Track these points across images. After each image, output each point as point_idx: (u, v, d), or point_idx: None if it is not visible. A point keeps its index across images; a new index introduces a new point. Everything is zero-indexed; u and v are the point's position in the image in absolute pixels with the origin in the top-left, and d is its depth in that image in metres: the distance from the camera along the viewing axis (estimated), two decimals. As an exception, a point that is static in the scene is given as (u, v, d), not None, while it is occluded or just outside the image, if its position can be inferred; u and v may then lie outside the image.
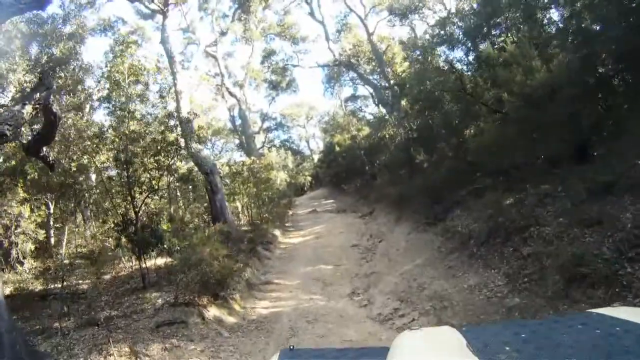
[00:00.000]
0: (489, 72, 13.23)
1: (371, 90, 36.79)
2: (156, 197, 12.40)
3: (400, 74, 24.36)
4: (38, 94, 7.98)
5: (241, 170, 20.69)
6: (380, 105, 34.44)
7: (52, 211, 14.49)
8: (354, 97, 41.61)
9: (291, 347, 2.76)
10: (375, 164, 28.64)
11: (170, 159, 11.43)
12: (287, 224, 24.25)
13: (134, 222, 10.75)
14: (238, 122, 38.22)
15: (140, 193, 11.00)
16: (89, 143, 11.29)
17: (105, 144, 11.17)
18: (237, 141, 40.69)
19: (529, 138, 11.82)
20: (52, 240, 14.30)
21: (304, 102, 49.41)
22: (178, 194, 22.99)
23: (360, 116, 37.20)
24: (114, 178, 12.01)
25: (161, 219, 12.58)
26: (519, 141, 11.93)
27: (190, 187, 20.52)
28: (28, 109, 7.80)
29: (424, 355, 1.98)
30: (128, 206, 10.95)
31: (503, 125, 13.07)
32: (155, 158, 11.19)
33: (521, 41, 12.31)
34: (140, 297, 10.19)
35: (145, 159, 11.06)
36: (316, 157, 48.49)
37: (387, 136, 21.30)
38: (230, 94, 34.91)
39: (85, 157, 11.53)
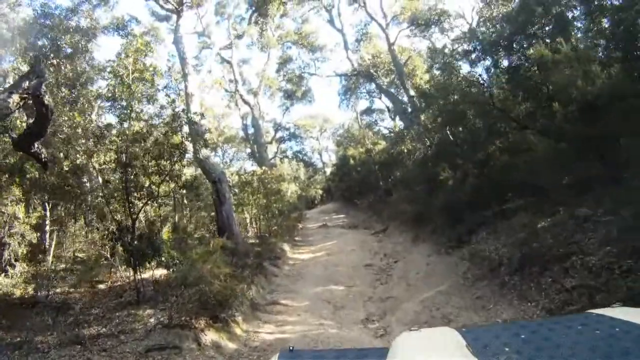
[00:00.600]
0: (538, 76, 12.01)
1: (388, 104, 35.94)
2: (156, 204, 11.41)
3: (421, 86, 23.43)
4: (27, 83, 7.13)
5: (251, 180, 19.77)
6: (398, 118, 33.55)
7: (47, 213, 13.65)
8: (369, 110, 40.76)
9: (291, 347, 2.68)
10: (389, 180, 27.64)
11: (173, 164, 10.48)
12: (296, 238, 23.22)
13: (130, 229, 9.81)
14: (251, 131, 37.54)
15: (139, 199, 10.08)
16: (89, 142, 10.44)
17: (105, 144, 10.29)
18: (249, 150, 39.93)
19: (567, 154, 10.76)
20: (47, 244, 13.46)
21: (319, 114, 48.82)
22: (185, 201, 22.15)
23: (375, 130, 36.40)
24: (110, 181, 11.07)
25: (163, 228, 11.62)
26: (557, 158, 10.87)
27: (195, 195, 19.61)
28: (15, 98, 6.95)
29: (424, 356, 1.95)
30: (125, 212, 10.02)
31: (540, 140, 12.01)
32: (157, 161, 10.28)
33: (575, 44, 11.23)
34: (132, 313, 9.20)
35: (146, 162, 10.15)
36: (328, 170, 47.73)
37: (405, 151, 20.27)
38: (244, 101, 34.27)
39: (82, 157, 10.65)
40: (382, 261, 15.81)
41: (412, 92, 23.05)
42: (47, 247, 13.27)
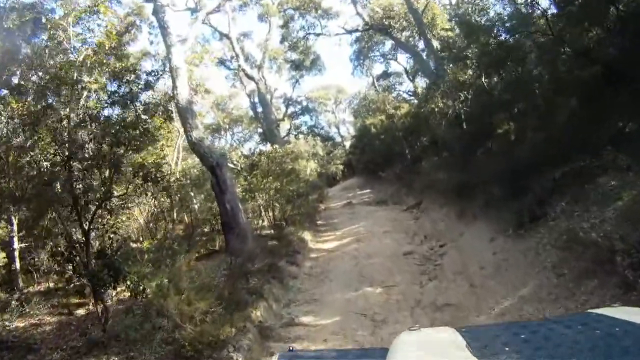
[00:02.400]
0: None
1: (405, 65, 32.42)
2: (112, 206, 8.53)
3: (445, 36, 19.98)
4: None
5: (258, 160, 16.88)
6: (419, 77, 30.04)
7: (15, 227, 11.08)
8: (385, 75, 37.19)
9: (290, 348, 2.68)
10: (416, 146, 24.45)
11: (135, 150, 7.63)
12: (318, 222, 20.41)
13: (84, 247, 7.11)
14: (260, 109, 34.48)
15: (88, 203, 7.29)
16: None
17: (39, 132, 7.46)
18: (260, 130, 36.92)
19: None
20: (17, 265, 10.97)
21: (331, 85, 45.20)
22: (192, 193, 19.52)
23: (394, 94, 32.94)
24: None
25: (126, 240, 8.86)
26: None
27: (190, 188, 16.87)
28: None
29: (424, 356, 1.93)
30: (74, 224, 7.29)
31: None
32: (114, 149, 7.45)
33: None
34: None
35: (95, 151, 7.32)
36: (347, 144, 44.56)
37: (436, 109, 17.03)
38: (248, 76, 31.22)
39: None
40: (423, 245, 12.89)
41: (435, 44, 19.63)
42: (16, 268, 10.80)
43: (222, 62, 34.27)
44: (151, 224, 13.48)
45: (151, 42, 23.53)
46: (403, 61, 33.61)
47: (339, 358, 2.68)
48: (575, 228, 7.70)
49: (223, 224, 14.07)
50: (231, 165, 22.88)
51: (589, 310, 2.26)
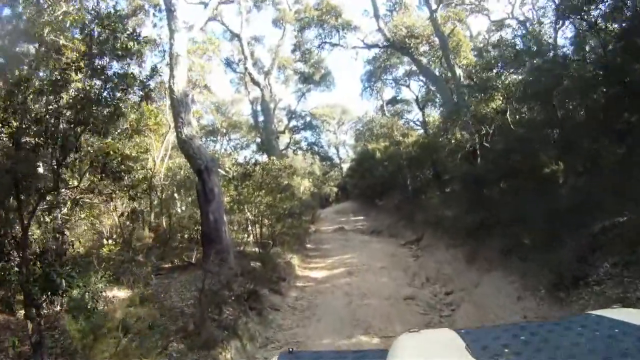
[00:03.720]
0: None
1: (416, 93, 31.29)
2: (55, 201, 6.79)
3: (469, 64, 18.77)
4: None
5: (252, 171, 15.29)
6: (431, 106, 28.90)
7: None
8: (395, 100, 36.19)
9: (290, 349, 2.58)
10: (419, 177, 23.10)
11: (105, 136, 6.04)
12: (308, 245, 18.84)
13: (21, 247, 5.46)
14: (261, 119, 33.07)
15: (33, 192, 5.66)
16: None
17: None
18: (259, 140, 35.38)
19: None
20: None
21: (338, 104, 44.17)
22: (176, 195, 17.86)
23: (401, 122, 31.74)
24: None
25: (73, 244, 7.16)
26: None
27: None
28: None
29: (423, 357, 1.93)
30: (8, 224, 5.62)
31: None
32: (76, 129, 5.86)
33: None
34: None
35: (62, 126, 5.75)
36: (345, 167, 43.26)
37: (452, 141, 15.66)
38: (254, 81, 29.91)
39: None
40: (425, 289, 11.33)
41: (458, 72, 18.37)
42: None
43: (229, 63, 33.10)
44: (119, 229, 11.72)
45: (154, 25, 22.08)
46: (415, 89, 32.66)
47: (338, 359, 2.63)
48: (631, 298, 6.28)
49: (203, 236, 12.41)
50: (222, 172, 21.30)
51: (589, 312, 2.24)
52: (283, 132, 35.93)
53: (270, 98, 30.85)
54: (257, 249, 14.38)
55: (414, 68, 33.16)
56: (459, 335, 2.00)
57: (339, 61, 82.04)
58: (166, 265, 12.13)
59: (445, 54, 18.67)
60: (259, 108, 33.27)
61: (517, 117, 13.90)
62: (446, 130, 15.74)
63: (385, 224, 23.27)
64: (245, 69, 29.42)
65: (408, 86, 32.79)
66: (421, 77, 32.85)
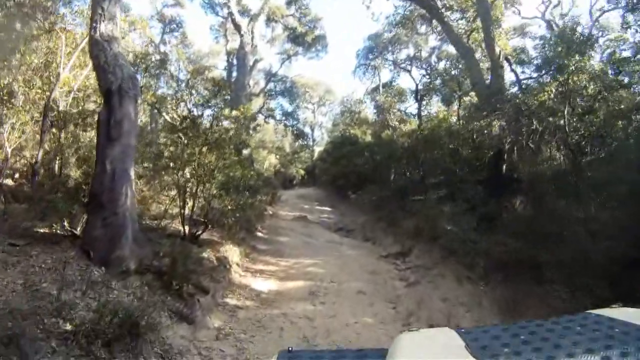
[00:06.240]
0: None
1: (417, 81, 26.96)
2: None
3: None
4: None
5: (199, 116, 10.42)
6: (428, 97, 24.63)
7: None
8: (390, 86, 31.79)
9: (290, 348, 2.45)
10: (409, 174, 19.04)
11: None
12: (259, 234, 14.17)
13: None
14: (235, 74, 27.92)
15: None
16: None
17: None
18: (227, 98, 30.15)
19: None
20: None
21: (323, 82, 39.91)
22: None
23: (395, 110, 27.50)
24: None
25: None
26: None
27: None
28: None
29: (423, 357, 1.85)
30: None
31: None
32: None
33: None
34: None
35: None
36: (317, 150, 39.00)
37: (485, 132, 11.39)
38: (235, 25, 24.82)
39: None
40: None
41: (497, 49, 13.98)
42: None
43: (212, 4, 27.82)
44: None
45: None
46: (417, 78, 28.43)
47: (338, 358, 2.47)
48: None
49: (91, 196, 7.59)
50: (167, 118, 16.28)
51: (588, 312, 2.13)
52: (257, 95, 30.92)
53: (251, 49, 25.70)
54: (180, 229, 9.69)
55: (418, 54, 29.06)
56: (458, 334, 1.94)
57: (335, 31, 75.50)
58: (34, 233, 7.29)
59: (485, 25, 14.22)
60: (234, 61, 28.20)
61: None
62: (486, 117, 11.28)
63: (359, 222, 18.93)
64: (229, 12, 24.28)
65: (409, 71, 28.49)
66: (424, 66, 28.92)
